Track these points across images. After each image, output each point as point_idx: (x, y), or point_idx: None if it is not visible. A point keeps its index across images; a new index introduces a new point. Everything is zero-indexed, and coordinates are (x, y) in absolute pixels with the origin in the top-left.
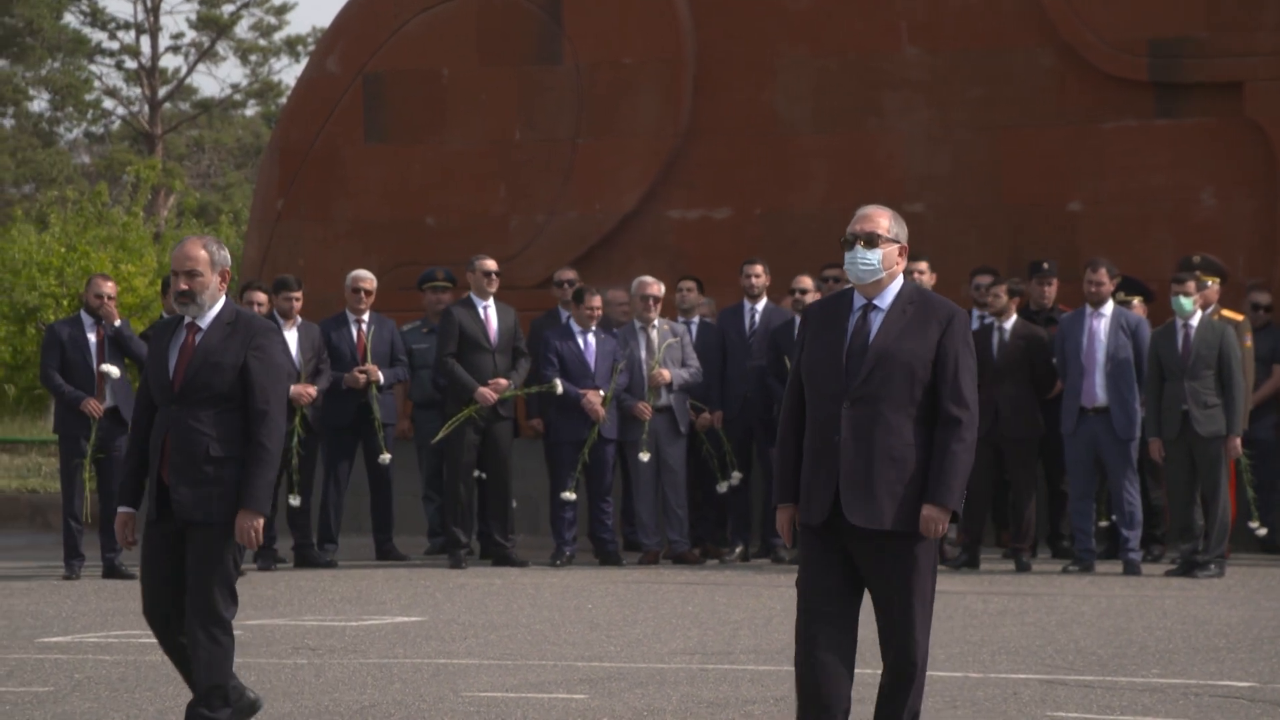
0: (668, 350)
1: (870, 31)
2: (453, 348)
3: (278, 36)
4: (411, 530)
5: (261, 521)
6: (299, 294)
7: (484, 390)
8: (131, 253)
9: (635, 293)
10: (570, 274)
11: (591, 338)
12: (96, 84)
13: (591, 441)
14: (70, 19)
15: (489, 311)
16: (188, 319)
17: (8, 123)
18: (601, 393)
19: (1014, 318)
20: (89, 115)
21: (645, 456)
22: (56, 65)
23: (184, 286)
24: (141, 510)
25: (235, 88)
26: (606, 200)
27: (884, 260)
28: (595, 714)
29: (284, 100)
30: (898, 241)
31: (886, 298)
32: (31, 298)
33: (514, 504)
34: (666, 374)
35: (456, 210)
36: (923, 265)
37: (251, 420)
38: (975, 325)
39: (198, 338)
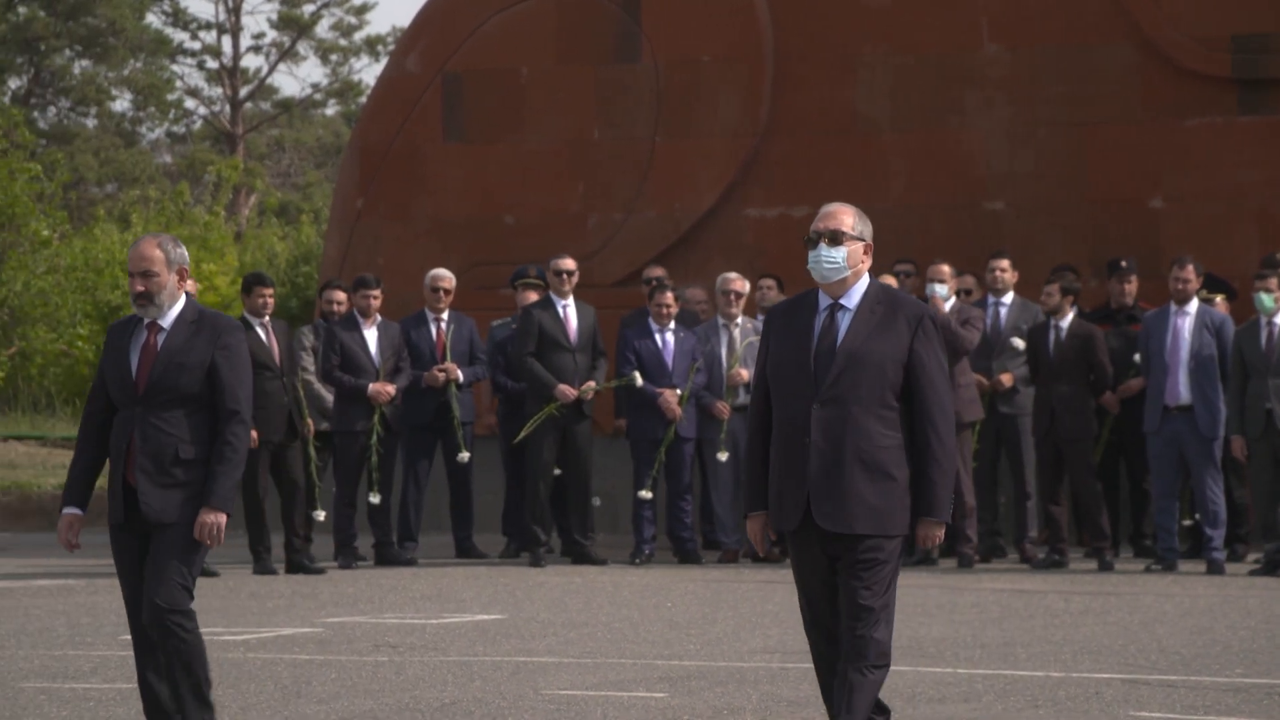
0: (748, 348)
1: (951, 28)
2: (532, 347)
3: (358, 36)
4: (491, 528)
5: (224, 520)
6: (378, 292)
7: (563, 388)
8: (213, 252)
9: (719, 289)
10: (659, 271)
11: (670, 336)
12: (178, 84)
13: (669, 441)
14: (152, 19)
15: (568, 311)
16: (147, 319)
17: (91, 123)
18: (678, 391)
19: (1070, 316)
20: (171, 115)
21: (724, 456)
22: (139, 65)
23: (140, 288)
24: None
25: (316, 87)
26: (685, 199)
27: (849, 258)
28: (675, 712)
29: (364, 100)
30: (862, 239)
31: (853, 297)
32: (114, 296)
33: (597, 502)
34: (745, 373)
35: (535, 209)
36: (1004, 263)
37: (220, 420)
38: (1032, 323)
39: (160, 338)
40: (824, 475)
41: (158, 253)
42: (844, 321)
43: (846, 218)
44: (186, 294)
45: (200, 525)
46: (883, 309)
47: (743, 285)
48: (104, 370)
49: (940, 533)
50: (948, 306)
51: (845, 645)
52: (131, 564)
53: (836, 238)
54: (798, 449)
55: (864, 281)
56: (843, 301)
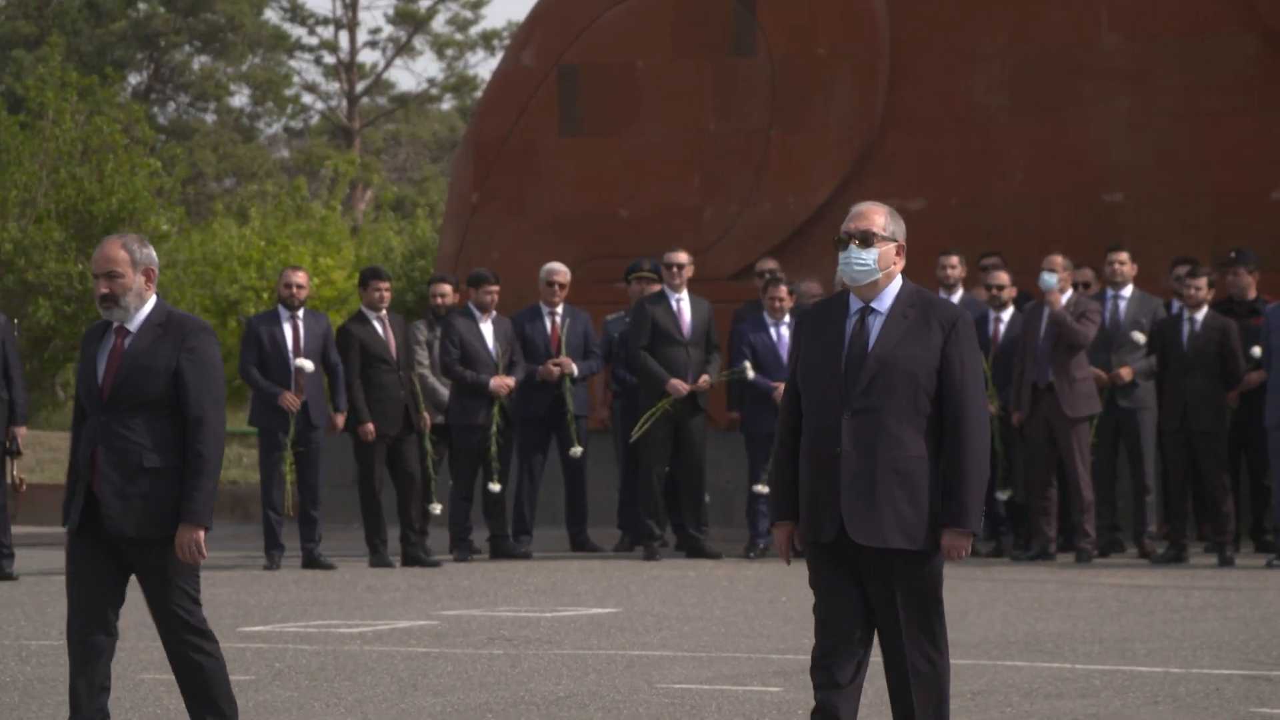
0: None
1: (1069, 20)
2: (645, 341)
3: (473, 31)
4: (606, 523)
5: (203, 535)
6: (496, 288)
7: (676, 382)
8: (330, 246)
9: (838, 282)
10: (771, 264)
11: (784, 329)
12: (296, 79)
13: None
14: (270, 15)
15: (682, 304)
16: (115, 323)
17: (209, 118)
18: None
19: (1205, 309)
20: (288, 110)
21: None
22: (257, 61)
23: (104, 290)
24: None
25: (431, 82)
26: (800, 192)
27: (880, 260)
28: (790, 707)
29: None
30: (895, 240)
31: (885, 300)
32: (232, 290)
33: (707, 498)
34: None
35: (650, 202)
36: (1123, 256)
37: (187, 427)
38: (1164, 314)
39: (126, 341)
40: (857, 486)
41: (122, 253)
42: (875, 326)
43: (878, 217)
44: (157, 296)
45: (180, 544)
46: (915, 312)
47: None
48: (77, 378)
49: (968, 544)
50: (1064, 299)
51: (888, 674)
52: (85, 570)
53: (867, 239)
54: (830, 459)
55: (896, 284)
56: (874, 305)
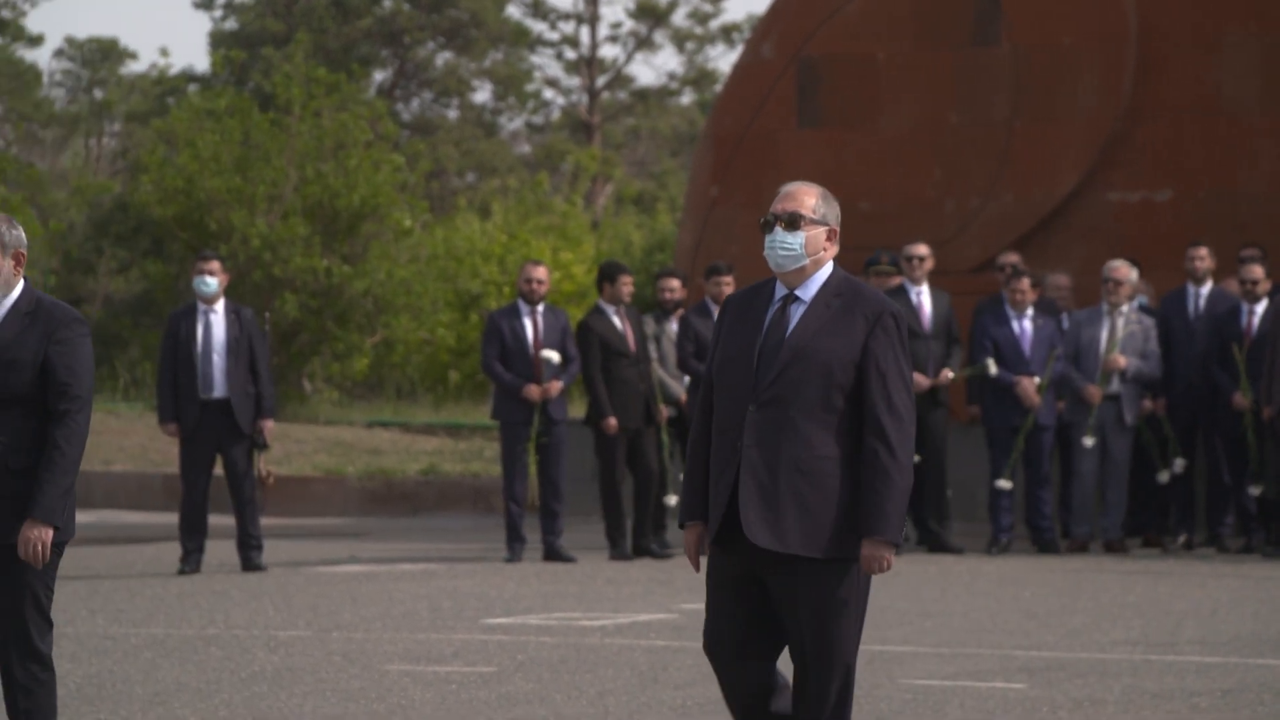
0: (1128, 338)
1: None
2: None
3: (713, 24)
4: None
5: (50, 534)
6: (730, 279)
7: (917, 376)
8: (570, 241)
9: (1106, 275)
10: (1013, 257)
11: (1027, 323)
12: (537, 75)
13: (1027, 429)
14: (513, 11)
15: (922, 297)
16: None
17: (452, 114)
18: (1037, 379)
19: None
20: (529, 106)
21: (1089, 441)
22: (499, 57)
23: None
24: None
25: (671, 76)
26: (1044, 183)
27: (808, 245)
28: (1034, 704)
29: (719, 87)
30: (826, 224)
31: (810, 288)
32: (474, 285)
33: (948, 492)
34: (1122, 360)
35: (890, 195)
36: None
37: (50, 421)
38: None
39: None
40: (756, 484)
41: None
42: (795, 314)
43: (808, 199)
44: (25, 281)
45: (24, 541)
46: (840, 302)
47: (1126, 272)
48: None
49: (890, 555)
50: None
51: (795, 690)
52: None
53: (794, 221)
54: (732, 454)
55: (825, 271)
56: (798, 293)
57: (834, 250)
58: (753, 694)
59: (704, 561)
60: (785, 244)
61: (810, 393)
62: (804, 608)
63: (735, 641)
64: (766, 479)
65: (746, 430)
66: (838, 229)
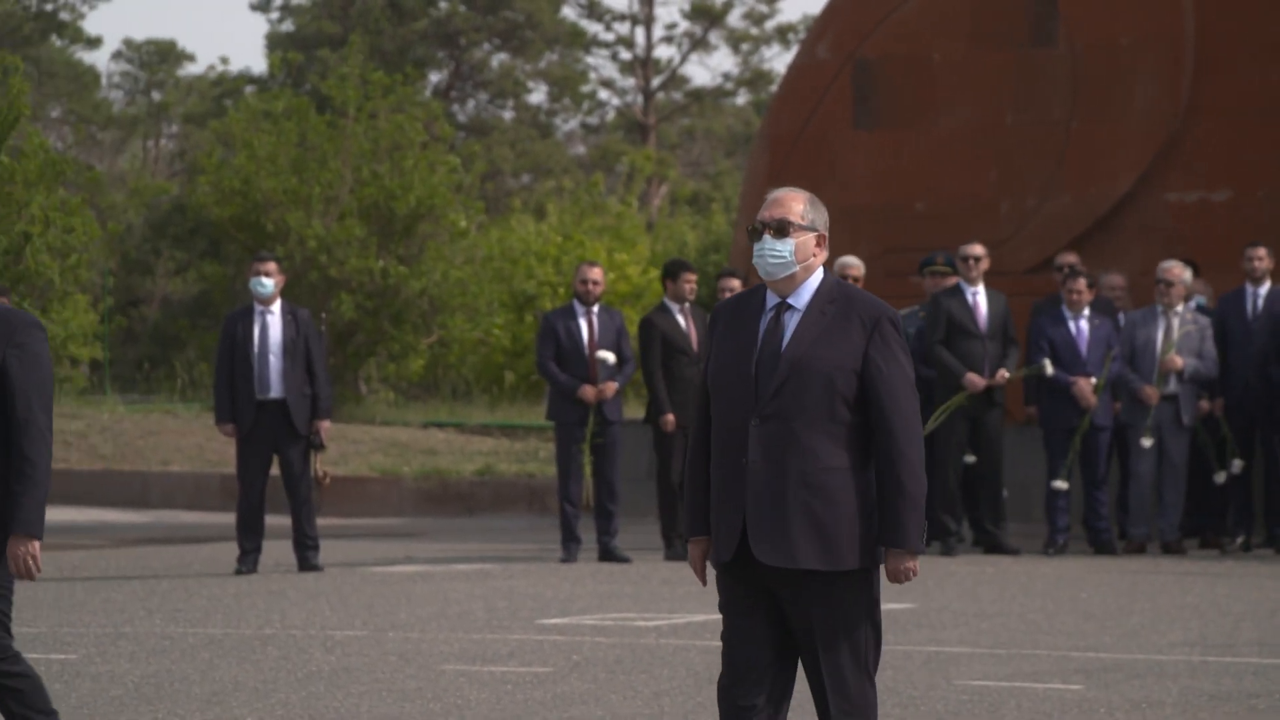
0: (1184, 338)
1: None
2: (940, 335)
3: (769, 25)
4: None
5: (37, 546)
6: (737, 283)
7: (972, 376)
8: (625, 242)
9: (1159, 277)
10: (1071, 257)
11: (1084, 323)
12: (592, 76)
13: (1084, 429)
14: (568, 12)
15: (978, 298)
16: None
17: (508, 115)
18: (1093, 380)
19: None
20: (585, 107)
21: (1147, 442)
22: (554, 58)
23: None
24: None
25: (726, 76)
26: (1100, 184)
27: (798, 251)
28: (1091, 705)
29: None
30: (815, 230)
31: (803, 296)
32: (529, 286)
33: (1005, 493)
34: (1179, 361)
35: (946, 195)
36: None
37: (12, 430)
38: None
39: None
40: (763, 501)
41: None
42: (790, 324)
43: (796, 205)
44: None
45: (13, 557)
46: (835, 309)
47: (1179, 273)
48: None
49: (914, 565)
50: None
51: (817, 708)
52: None
53: (783, 228)
54: (736, 470)
55: (817, 278)
56: (790, 301)
57: (824, 256)
58: (759, 711)
59: (709, 574)
60: (775, 251)
61: (812, 404)
62: (818, 619)
63: (748, 662)
64: (774, 497)
65: (751, 446)
66: (827, 234)
